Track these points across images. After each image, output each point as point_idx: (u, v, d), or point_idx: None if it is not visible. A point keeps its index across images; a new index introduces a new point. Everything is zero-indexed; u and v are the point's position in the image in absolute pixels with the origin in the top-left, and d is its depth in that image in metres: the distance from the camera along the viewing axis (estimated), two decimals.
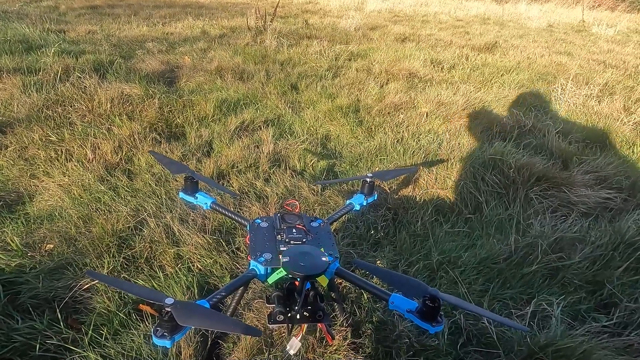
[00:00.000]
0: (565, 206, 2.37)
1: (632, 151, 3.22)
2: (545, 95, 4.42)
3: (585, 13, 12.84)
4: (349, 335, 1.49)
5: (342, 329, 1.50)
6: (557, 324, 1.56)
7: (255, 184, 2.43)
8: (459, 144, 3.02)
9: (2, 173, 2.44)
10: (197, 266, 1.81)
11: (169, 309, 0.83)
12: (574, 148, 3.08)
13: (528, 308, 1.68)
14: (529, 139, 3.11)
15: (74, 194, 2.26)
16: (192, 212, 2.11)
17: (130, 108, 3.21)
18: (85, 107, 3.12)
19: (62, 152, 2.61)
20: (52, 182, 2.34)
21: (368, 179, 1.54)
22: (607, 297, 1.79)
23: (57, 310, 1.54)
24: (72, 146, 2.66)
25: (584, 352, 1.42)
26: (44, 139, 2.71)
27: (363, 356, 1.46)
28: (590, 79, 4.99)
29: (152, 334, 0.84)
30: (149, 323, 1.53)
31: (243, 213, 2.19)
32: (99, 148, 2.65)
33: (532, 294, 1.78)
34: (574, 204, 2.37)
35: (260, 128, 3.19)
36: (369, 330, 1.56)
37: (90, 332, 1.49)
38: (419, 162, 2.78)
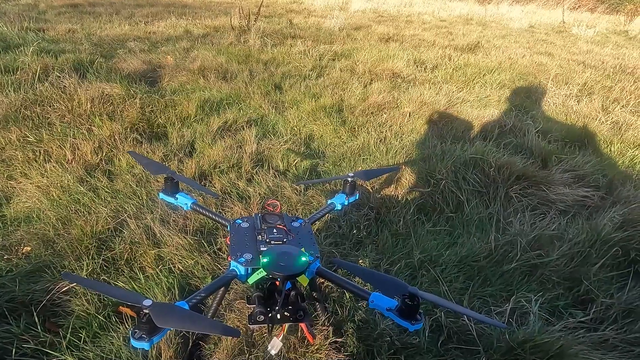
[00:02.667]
0: (544, 204, 2.42)
1: (610, 150, 3.29)
2: (525, 94, 4.48)
3: (566, 14, 13.06)
4: (331, 335, 1.49)
5: (324, 328, 1.51)
6: (535, 320, 1.58)
7: (238, 184, 2.42)
8: (440, 143, 3.04)
9: None
10: (178, 267, 1.80)
11: (147, 311, 0.82)
12: (553, 147, 3.13)
13: (507, 305, 1.70)
14: (510, 139, 3.15)
15: (52, 195, 2.22)
16: (173, 212, 2.09)
17: (111, 108, 3.17)
18: (65, 107, 3.07)
19: (40, 152, 2.56)
20: (30, 183, 2.30)
21: (349, 179, 1.55)
22: (584, 293, 1.83)
23: (35, 313, 1.51)
24: (51, 147, 2.61)
25: (560, 348, 1.44)
26: (21, 140, 2.66)
27: (345, 355, 1.47)
28: (569, 79, 5.09)
29: (130, 336, 0.83)
30: (128, 325, 1.51)
31: (225, 213, 2.18)
32: (78, 149, 2.61)
33: (512, 291, 1.81)
34: (553, 202, 2.41)
35: (243, 128, 3.18)
36: (350, 329, 1.57)
37: (68, 335, 1.47)
38: (401, 162, 2.79)
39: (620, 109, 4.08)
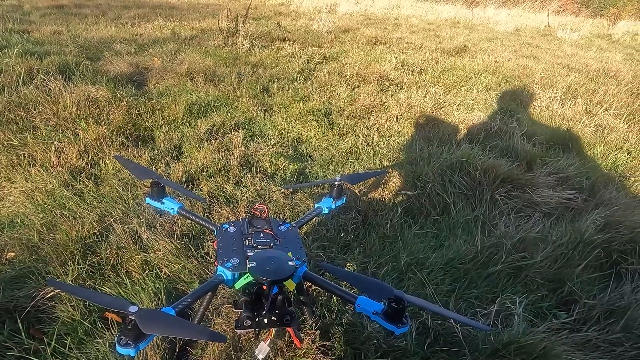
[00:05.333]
0: (528, 207, 2.45)
1: (593, 152, 3.35)
2: (511, 98, 4.53)
3: (551, 18, 13.25)
4: (318, 338, 1.49)
5: (311, 332, 1.51)
6: (519, 322, 1.61)
7: (225, 188, 2.42)
8: (427, 146, 3.07)
9: None
10: (165, 272, 1.79)
11: (132, 317, 0.82)
12: (537, 150, 3.18)
13: (493, 307, 1.72)
14: (495, 141, 3.19)
15: (37, 200, 2.20)
16: (160, 217, 2.08)
17: (97, 111, 3.14)
18: (50, 110, 3.03)
19: (24, 156, 2.53)
20: (14, 188, 2.27)
21: (336, 183, 1.56)
22: (567, 295, 1.86)
23: (18, 320, 1.50)
24: (36, 151, 2.59)
25: (544, 349, 1.47)
26: (5, 144, 2.62)
27: (332, 358, 1.48)
28: (554, 82, 5.17)
29: (115, 342, 0.83)
30: (114, 331, 1.50)
31: (212, 217, 2.17)
32: (63, 152, 2.59)
33: (497, 293, 1.84)
34: (537, 205, 2.45)
35: (231, 131, 3.17)
36: (338, 333, 1.58)
37: (53, 342, 1.45)
38: (388, 165, 2.81)
39: (603, 112, 4.15)
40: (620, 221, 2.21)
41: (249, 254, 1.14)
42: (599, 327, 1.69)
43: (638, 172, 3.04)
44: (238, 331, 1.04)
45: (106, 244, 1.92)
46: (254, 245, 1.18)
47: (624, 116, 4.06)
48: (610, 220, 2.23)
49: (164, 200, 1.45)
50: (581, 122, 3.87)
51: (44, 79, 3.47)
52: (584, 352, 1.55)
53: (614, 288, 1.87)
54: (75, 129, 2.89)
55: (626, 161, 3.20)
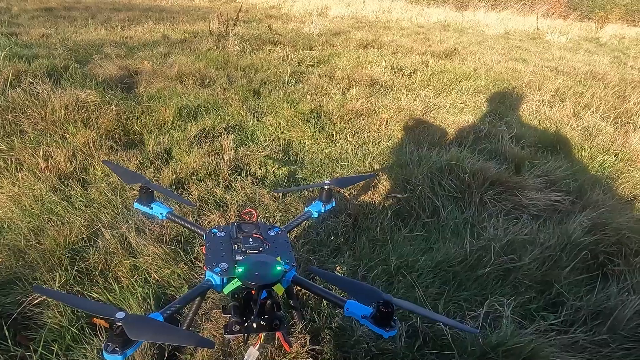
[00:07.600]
0: (517, 209, 2.47)
1: (580, 155, 3.39)
2: (500, 100, 4.57)
3: (540, 21, 13.38)
4: (308, 342, 1.50)
5: (301, 336, 1.51)
6: (507, 324, 1.62)
7: (215, 192, 2.41)
8: (417, 149, 3.09)
9: None
10: (154, 277, 1.78)
11: (119, 324, 0.82)
12: (526, 152, 3.21)
13: (481, 309, 1.73)
14: (484, 144, 3.22)
15: (24, 205, 2.17)
16: (149, 221, 2.07)
17: (85, 115, 3.12)
18: (38, 114, 3.00)
19: (11, 161, 2.50)
20: (1, 192, 2.24)
21: (326, 186, 1.56)
22: (555, 296, 1.88)
23: (5, 327, 1.48)
24: (23, 155, 2.56)
25: (532, 350, 1.48)
26: None
27: None
28: (542, 85, 5.21)
29: (103, 349, 0.82)
30: (102, 337, 1.49)
31: (202, 222, 2.17)
32: (51, 157, 2.56)
33: (486, 295, 1.85)
34: (526, 207, 2.47)
35: (221, 135, 3.16)
36: (327, 337, 1.58)
37: (40, 349, 1.44)
38: (378, 168, 2.82)
39: (591, 114, 4.20)
40: (606, 223, 2.24)
41: (237, 258, 1.14)
42: (586, 328, 1.71)
43: (625, 175, 3.08)
44: (227, 336, 1.04)
45: (94, 249, 1.90)
46: (243, 249, 1.18)
47: (611, 119, 4.12)
48: (597, 222, 2.25)
49: (152, 205, 1.44)
50: (569, 124, 3.91)
51: (32, 83, 3.44)
52: (571, 354, 1.57)
53: (600, 289, 1.89)
54: (64, 133, 2.86)
55: (613, 163, 3.24)
